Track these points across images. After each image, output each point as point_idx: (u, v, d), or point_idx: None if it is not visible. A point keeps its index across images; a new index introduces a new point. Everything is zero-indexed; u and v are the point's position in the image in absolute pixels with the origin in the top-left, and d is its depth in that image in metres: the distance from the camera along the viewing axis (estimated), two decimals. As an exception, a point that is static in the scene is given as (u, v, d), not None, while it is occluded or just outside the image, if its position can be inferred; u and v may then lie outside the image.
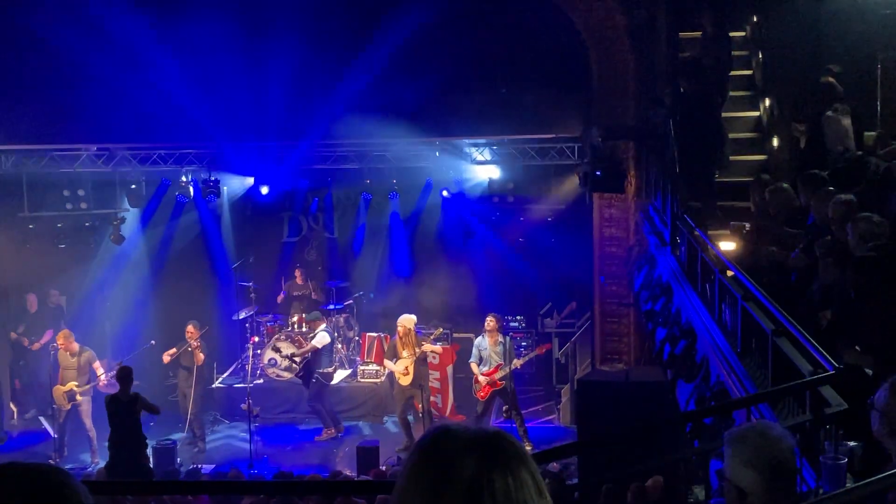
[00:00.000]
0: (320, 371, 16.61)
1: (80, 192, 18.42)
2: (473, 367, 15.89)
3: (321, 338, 16.63)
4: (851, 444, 4.81)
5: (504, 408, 15.93)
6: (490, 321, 15.87)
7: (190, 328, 16.25)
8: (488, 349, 15.77)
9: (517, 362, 15.96)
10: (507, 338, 16.14)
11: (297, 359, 17.11)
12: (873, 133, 11.11)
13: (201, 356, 16.21)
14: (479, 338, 16.01)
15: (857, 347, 6.16)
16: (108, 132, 17.05)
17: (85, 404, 15.48)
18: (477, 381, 15.85)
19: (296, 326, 18.08)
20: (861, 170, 8.95)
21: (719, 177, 11.65)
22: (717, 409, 7.06)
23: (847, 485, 4.48)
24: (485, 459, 1.80)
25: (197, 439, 16.21)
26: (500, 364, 15.65)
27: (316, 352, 16.66)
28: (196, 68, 15.55)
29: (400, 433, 16.29)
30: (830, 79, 11.26)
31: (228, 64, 15.60)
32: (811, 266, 7.75)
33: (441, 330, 17.08)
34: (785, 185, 9.39)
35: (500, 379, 15.62)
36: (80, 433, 15.72)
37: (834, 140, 10.30)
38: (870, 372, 5.29)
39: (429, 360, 16.55)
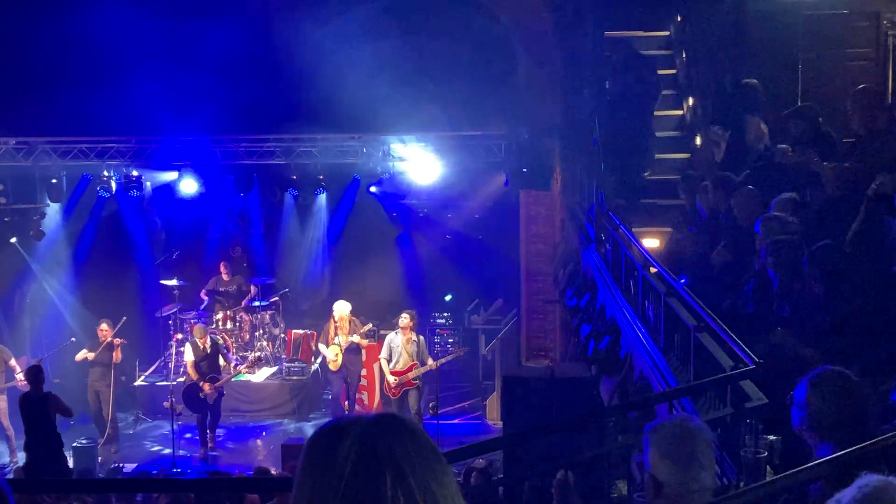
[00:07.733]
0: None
1: (-1, 187, 18.01)
2: (383, 363, 15.56)
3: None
4: (771, 437, 4.87)
5: (431, 405, 15.83)
6: (405, 318, 15.46)
7: (104, 326, 15.89)
8: (400, 346, 15.40)
9: (432, 364, 15.55)
10: (421, 337, 15.92)
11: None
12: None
13: (120, 354, 15.91)
14: (393, 333, 15.65)
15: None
16: (28, 125, 16.66)
17: (1, 403, 15.12)
18: (386, 380, 15.58)
19: (220, 324, 17.87)
20: (776, 169, 9.12)
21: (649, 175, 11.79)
22: (639, 404, 7.13)
23: (766, 478, 4.54)
24: (363, 447, 1.80)
25: (112, 440, 15.89)
26: (414, 364, 15.34)
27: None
28: (118, 59, 15.22)
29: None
30: (753, 80, 11.41)
31: (153, 55, 15.31)
32: (733, 262, 7.87)
33: (371, 326, 16.89)
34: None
35: (414, 378, 15.36)
36: (-2, 432, 15.38)
37: (753, 142, 10.47)
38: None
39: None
